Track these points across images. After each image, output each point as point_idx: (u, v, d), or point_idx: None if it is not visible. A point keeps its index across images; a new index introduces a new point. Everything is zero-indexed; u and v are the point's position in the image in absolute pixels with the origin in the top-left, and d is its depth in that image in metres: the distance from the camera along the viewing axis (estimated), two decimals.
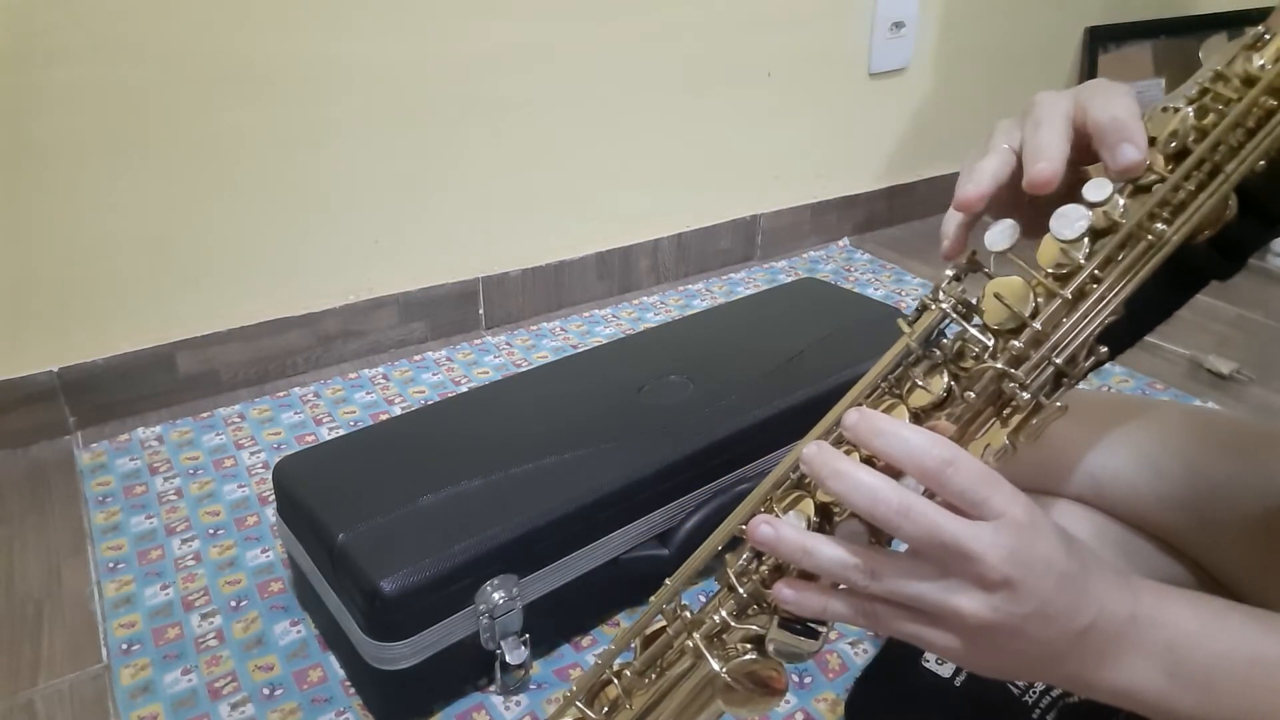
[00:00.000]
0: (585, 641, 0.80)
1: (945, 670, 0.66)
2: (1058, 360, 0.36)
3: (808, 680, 0.75)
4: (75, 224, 1.01)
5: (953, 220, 0.40)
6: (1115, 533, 0.59)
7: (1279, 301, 1.38)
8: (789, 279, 1.46)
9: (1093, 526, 0.59)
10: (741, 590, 0.40)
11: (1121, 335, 0.38)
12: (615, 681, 0.44)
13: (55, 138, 0.97)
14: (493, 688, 0.74)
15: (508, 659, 0.71)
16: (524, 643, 0.72)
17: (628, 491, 0.76)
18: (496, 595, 0.70)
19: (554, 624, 0.77)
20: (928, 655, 0.68)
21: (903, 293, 1.45)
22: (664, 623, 0.43)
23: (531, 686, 0.75)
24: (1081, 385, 0.39)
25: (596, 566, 0.77)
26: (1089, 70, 1.81)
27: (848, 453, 0.38)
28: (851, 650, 0.78)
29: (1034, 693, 0.63)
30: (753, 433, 0.83)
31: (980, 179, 0.38)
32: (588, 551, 0.75)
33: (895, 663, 0.71)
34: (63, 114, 0.96)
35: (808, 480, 0.39)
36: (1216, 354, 1.21)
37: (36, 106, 0.95)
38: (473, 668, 0.74)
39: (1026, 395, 0.36)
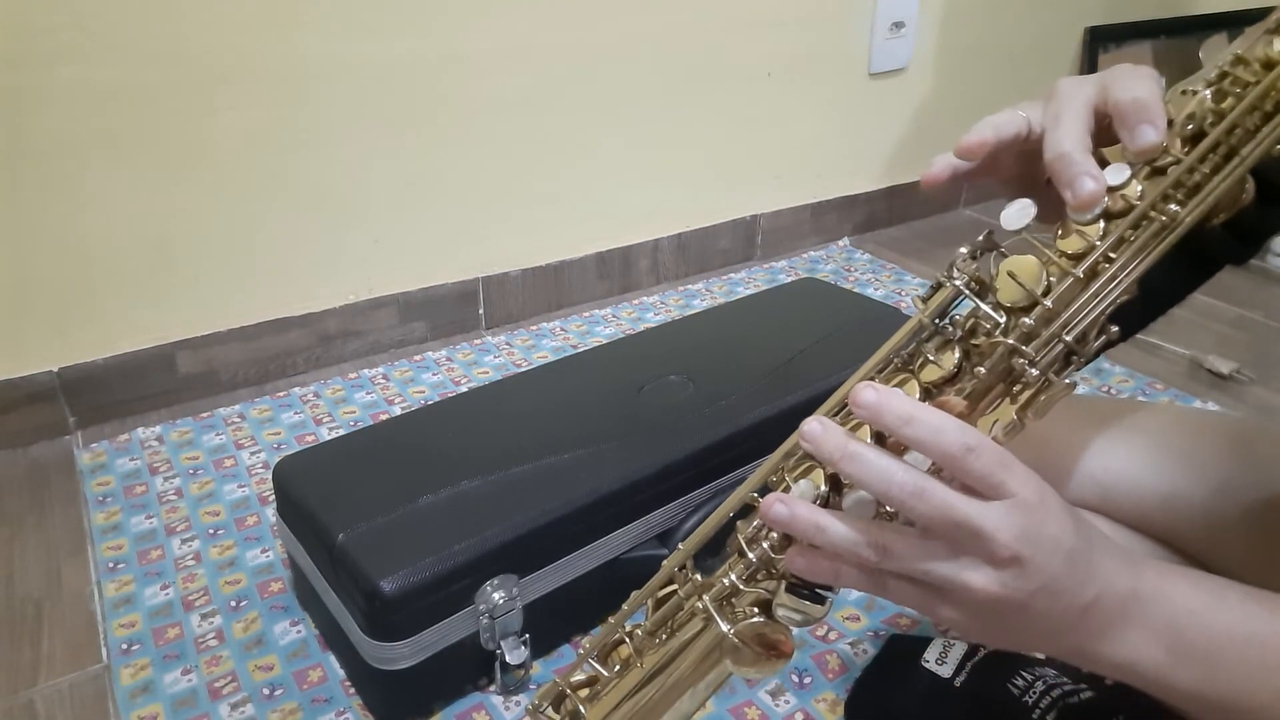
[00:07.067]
0: (585, 641, 0.80)
1: (945, 670, 0.66)
2: (1068, 338, 0.36)
3: (808, 681, 0.75)
4: (76, 224, 1.01)
5: (945, 157, 0.42)
6: (1122, 537, 0.59)
7: (1279, 301, 1.38)
8: (789, 279, 1.47)
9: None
10: (751, 555, 0.40)
11: (1134, 316, 0.39)
12: (628, 641, 0.45)
13: (55, 138, 0.97)
14: (493, 688, 0.74)
15: (508, 659, 0.71)
16: (524, 643, 0.72)
17: (628, 491, 0.76)
18: (496, 595, 0.70)
19: (554, 624, 0.77)
20: (927, 655, 0.68)
21: (903, 293, 1.45)
22: (675, 585, 0.44)
23: (531, 686, 0.75)
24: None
25: (596, 566, 0.77)
26: (1089, 70, 1.81)
27: (854, 428, 0.38)
28: (851, 650, 0.78)
29: (1034, 693, 0.63)
30: (753, 433, 0.83)
31: (984, 131, 0.40)
32: (588, 551, 0.75)
33: (895, 663, 0.71)
34: (63, 114, 0.96)
35: None
36: (1216, 354, 1.20)
37: (36, 106, 0.95)
38: (473, 668, 0.74)
39: (1035, 372, 0.36)
